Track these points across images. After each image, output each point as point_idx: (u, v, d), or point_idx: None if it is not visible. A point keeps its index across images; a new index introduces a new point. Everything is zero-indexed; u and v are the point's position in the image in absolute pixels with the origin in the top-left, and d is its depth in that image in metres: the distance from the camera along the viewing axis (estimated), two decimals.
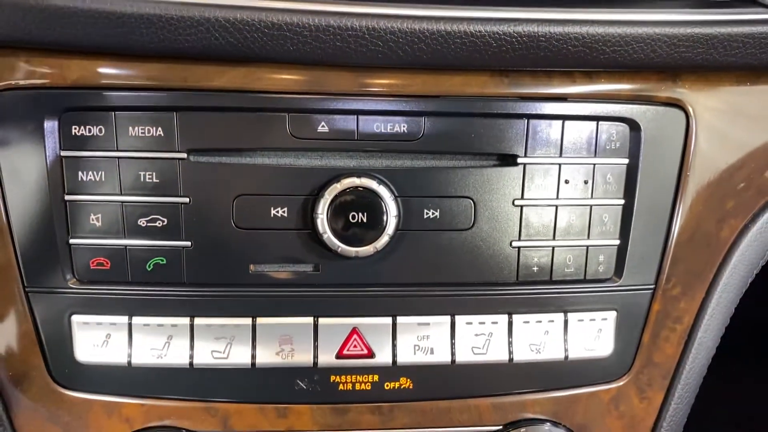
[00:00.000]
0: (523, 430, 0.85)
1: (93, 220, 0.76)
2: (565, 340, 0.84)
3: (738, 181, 0.85)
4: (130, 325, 0.78)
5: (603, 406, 0.88)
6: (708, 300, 0.88)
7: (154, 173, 0.75)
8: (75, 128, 0.74)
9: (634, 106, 0.80)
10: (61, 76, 0.72)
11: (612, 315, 0.85)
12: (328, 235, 0.76)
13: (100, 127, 0.74)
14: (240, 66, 0.73)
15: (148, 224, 0.76)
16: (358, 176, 0.75)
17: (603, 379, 0.87)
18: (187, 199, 0.75)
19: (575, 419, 0.88)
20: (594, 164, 0.81)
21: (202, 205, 0.76)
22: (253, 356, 0.80)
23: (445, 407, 0.85)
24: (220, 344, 0.79)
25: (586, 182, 0.81)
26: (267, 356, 0.80)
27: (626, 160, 0.81)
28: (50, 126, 0.73)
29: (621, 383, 0.88)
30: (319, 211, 0.75)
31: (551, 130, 0.79)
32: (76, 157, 0.74)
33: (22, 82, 0.72)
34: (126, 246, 0.76)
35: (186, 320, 0.79)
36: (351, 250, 0.76)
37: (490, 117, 0.77)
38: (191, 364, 0.79)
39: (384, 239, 0.76)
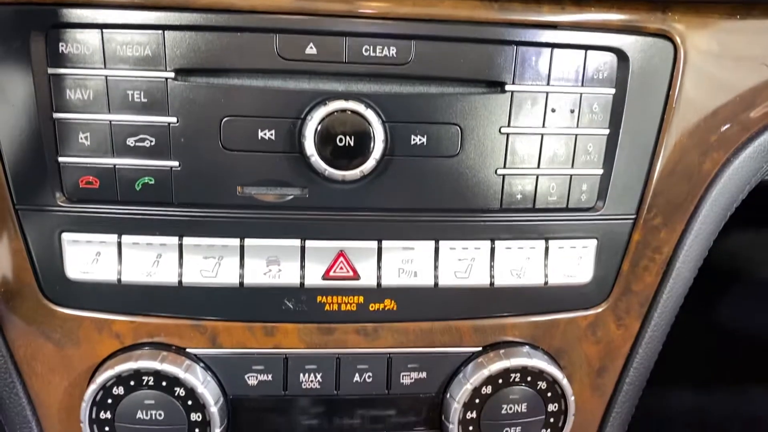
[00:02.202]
0: (502, 351, 0.88)
1: (81, 138, 0.76)
2: (546, 266, 0.86)
3: (723, 115, 0.86)
4: (119, 243, 0.80)
5: (580, 332, 0.91)
6: (688, 231, 0.90)
7: (142, 93, 0.75)
8: (62, 45, 0.73)
9: (623, 36, 0.80)
10: None
11: (593, 243, 0.87)
12: (316, 158, 0.76)
13: (88, 44, 0.73)
14: None
15: (137, 144, 0.76)
16: (346, 99, 0.76)
17: (582, 306, 0.90)
18: (174, 119, 0.76)
19: (553, 343, 0.91)
20: (581, 93, 0.81)
21: (190, 125, 0.76)
22: (241, 276, 0.81)
23: (428, 328, 0.88)
24: (209, 263, 0.81)
25: (572, 111, 0.81)
26: (255, 276, 0.82)
27: (613, 90, 0.82)
28: (36, 43, 0.73)
29: (599, 310, 0.90)
30: (307, 133, 0.76)
31: (540, 58, 0.79)
32: (64, 75, 0.74)
33: None
34: (115, 165, 0.77)
35: (175, 240, 0.80)
36: (338, 174, 0.77)
37: (479, 43, 0.77)
38: (180, 282, 0.81)
39: (371, 163, 0.77)
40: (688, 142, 0.86)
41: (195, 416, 0.83)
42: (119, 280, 0.81)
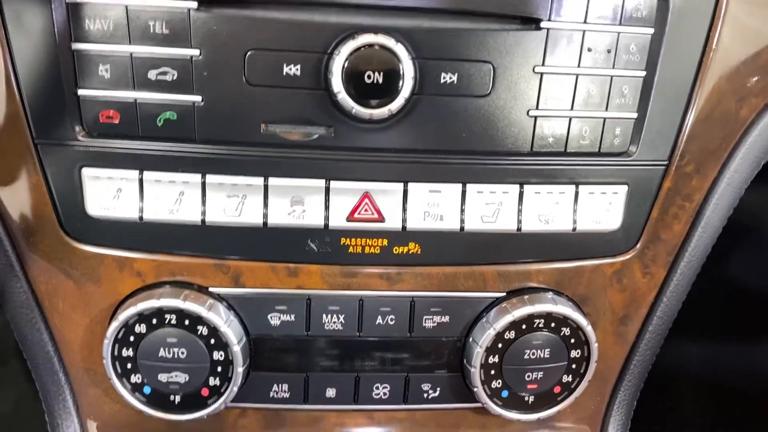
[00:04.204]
0: (526, 297, 0.87)
1: (101, 71, 0.74)
2: (575, 212, 0.84)
3: (763, 60, 0.83)
4: (141, 180, 0.78)
5: (606, 280, 0.90)
6: (720, 179, 0.88)
7: (163, 23, 0.72)
8: None
9: None
10: None
11: (623, 189, 0.85)
12: (343, 96, 0.74)
13: None
14: None
15: (158, 77, 0.74)
16: (375, 33, 0.73)
17: (608, 253, 0.88)
18: (197, 52, 0.73)
19: (578, 290, 0.90)
20: (618, 33, 0.78)
21: (213, 58, 0.73)
22: (265, 215, 0.80)
23: (452, 273, 0.86)
24: (232, 202, 0.79)
25: (608, 51, 0.78)
26: (279, 216, 0.80)
27: (651, 30, 0.79)
28: None
29: (626, 258, 0.89)
30: (334, 69, 0.73)
31: None
32: (83, 3, 0.71)
33: None
34: (136, 99, 0.75)
35: (198, 177, 0.78)
36: (365, 112, 0.75)
37: None
38: (203, 221, 0.80)
39: (399, 102, 0.75)
40: (726, 87, 0.83)
41: (217, 355, 0.83)
42: (141, 218, 0.79)
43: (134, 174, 0.78)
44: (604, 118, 0.81)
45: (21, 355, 1.16)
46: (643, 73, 0.80)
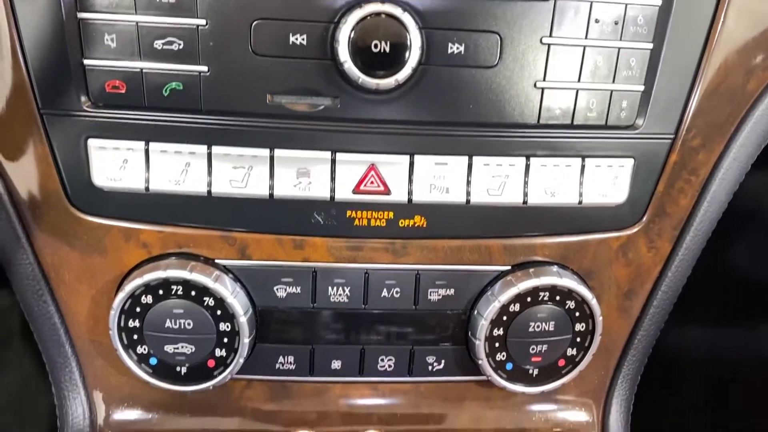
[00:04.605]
0: (531, 270, 0.87)
1: (107, 40, 0.73)
2: (581, 185, 0.84)
3: None
4: (147, 150, 0.78)
5: (611, 253, 0.90)
6: (726, 154, 0.87)
7: None
8: None
9: None
10: None
11: (629, 163, 0.84)
12: (349, 65, 0.73)
13: None
14: None
15: (164, 47, 0.74)
16: (382, 2, 0.72)
17: (614, 227, 0.88)
18: (203, 22, 0.73)
19: (583, 264, 0.90)
20: (626, 4, 0.77)
21: (219, 28, 0.73)
22: (271, 187, 0.80)
23: (457, 246, 0.87)
24: (238, 173, 0.79)
25: (616, 23, 0.78)
26: (284, 188, 0.80)
27: (659, 2, 0.78)
28: None
29: (631, 232, 0.89)
30: (340, 38, 0.73)
31: None
32: None
33: None
34: (142, 69, 0.74)
35: (204, 148, 0.78)
36: (372, 82, 0.74)
37: None
38: (209, 192, 0.80)
39: (406, 72, 0.74)
40: (734, 61, 0.82)
41: (224, 326, 0.84)
42: (147, 189, 0.79)
43: (140, 145, 0.78)
44: (611, 91, 0.80)
45: (24, 337, 1.17)
46: (651, 46, 0.80)
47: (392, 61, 0.74)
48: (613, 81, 0.80)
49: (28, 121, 0.77)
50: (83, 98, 0.76)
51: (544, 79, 0.78)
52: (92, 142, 0.78)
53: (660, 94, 0.82)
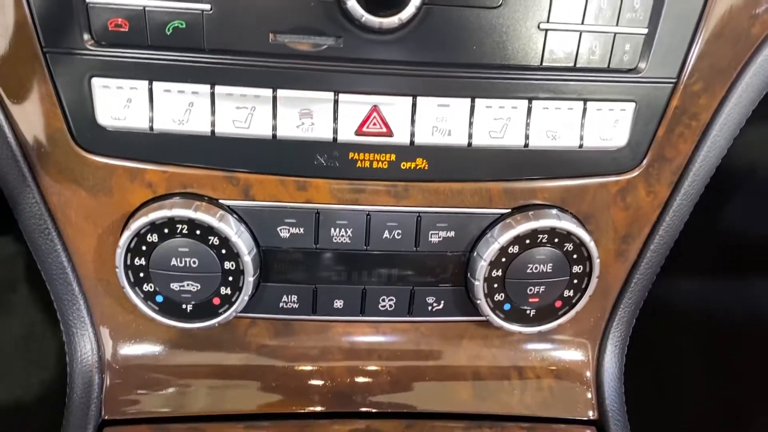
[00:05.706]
0: (530, 213, 0.88)
1: None
2: (582, 128, 0.84)
3: None
4: (150, 89, 0.78)
5: (610, 197, 0.91)
6: (728, 99, 0.87)
7: None
8: None
9: None
10: None
11: (631, 106, 0.85)
12: (352, 3, 0.73)
13: None
14: None
15: None
16: None
17: (613, 171, 0.89)
18: None
19: (581, 208, 0.91)
20: None
21: None
22: (274, 127, 0.80)
23: (458, 189, 0.88)
24: (241, 114, 0.80)
25: None
26: (287, 129, 0.81)
27: None
28: None
29: (631, 176, 0.90)
30: None
31: None
32: None
33: None
34: (144, 7, 0.74)
35: (207, 87, 0.78)
36: (375, 21, 0.74)
37: None
38: (213, 132, 0.80)
39: (410, 10, 0.74)
40: (739, 4, 0.82)
41: (228, 265, 0.85)
42: (151, 128, 0.80)
43: (144, 84, 0.78)
44: (615, 33, 0.80)
45: (30, 282, 1.18)
46: None
47: None
48: (617, 23, 0.80)
49: (32, 60, 0.77)
50: (86, 36, 0.76)
51: (547, 21, 0.78)
52: (96, 81, 0.78)
53: (663, 37, 0.81)
